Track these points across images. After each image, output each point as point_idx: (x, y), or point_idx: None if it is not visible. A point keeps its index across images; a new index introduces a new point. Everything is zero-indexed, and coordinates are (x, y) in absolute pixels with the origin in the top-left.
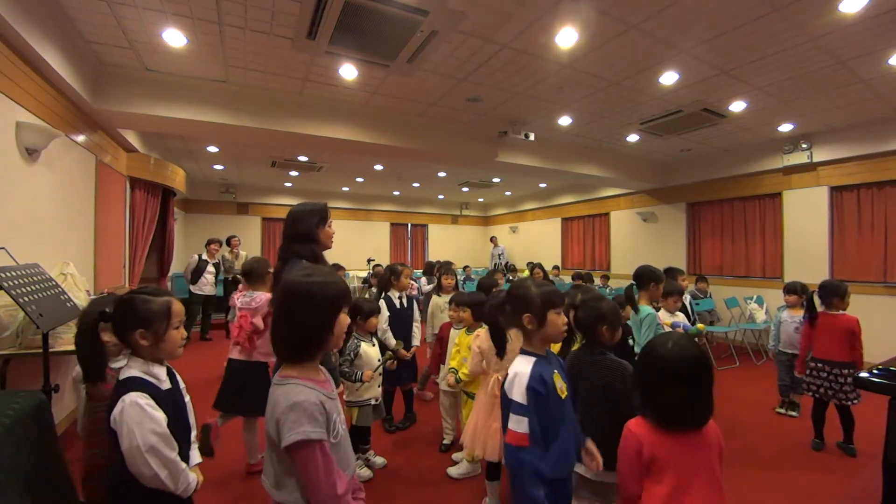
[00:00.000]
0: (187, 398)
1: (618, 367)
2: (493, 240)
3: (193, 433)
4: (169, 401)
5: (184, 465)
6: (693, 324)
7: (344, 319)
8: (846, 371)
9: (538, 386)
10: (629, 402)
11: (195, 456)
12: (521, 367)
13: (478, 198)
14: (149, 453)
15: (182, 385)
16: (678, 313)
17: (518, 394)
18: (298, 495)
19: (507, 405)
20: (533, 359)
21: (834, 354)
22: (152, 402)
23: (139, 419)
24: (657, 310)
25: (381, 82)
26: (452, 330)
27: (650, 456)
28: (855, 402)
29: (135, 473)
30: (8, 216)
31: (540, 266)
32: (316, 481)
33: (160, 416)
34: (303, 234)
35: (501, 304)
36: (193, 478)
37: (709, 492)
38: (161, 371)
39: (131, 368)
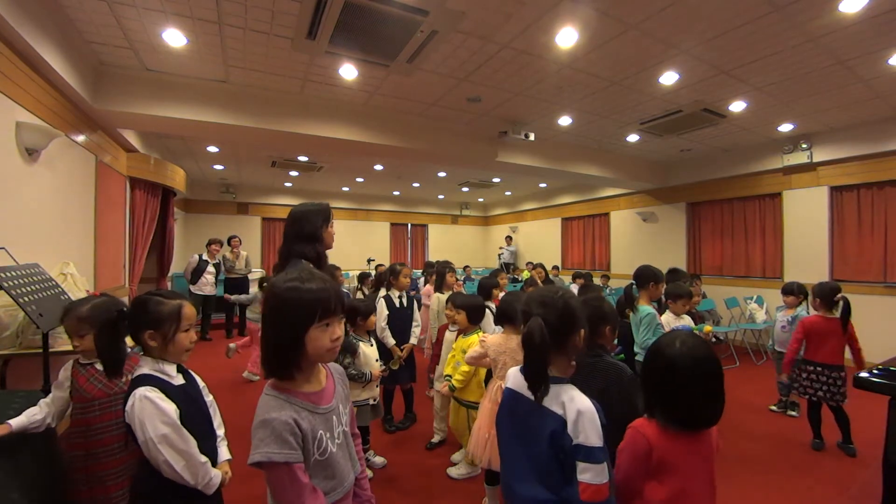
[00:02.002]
0: (209, 398)
1: (613, 369)
2: (507, 239)
3: (221, 431)
4: (182, 396)
5: (204, 458)
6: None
7: (317, 337)
8: (843, 374)
9: (602, 419)
10: (626, 404)
11: (223, 452)
12: (581, 401)
13: (478, 198)
14: (161, 444)
15: (202, 384)
16: (684, 316)
17: (594, 435)
18: None
19: (566, 452)
20: (575, 387)
21: (831, 357)
22: (161, 395)
23: (149, 411)
24: (662, 311)
25: (381, 82)
26: (447, 332)
27: (659, 459)
28: (843, 401)
29: (154, 465)
30: (8, 216)
31: (542, 266)
32: (285, 502)
33: (170, 407)
34: (308, 234)
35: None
36: (217, 473)
37: (705, 497)
38: (171, 368)
39: (142, 367)
